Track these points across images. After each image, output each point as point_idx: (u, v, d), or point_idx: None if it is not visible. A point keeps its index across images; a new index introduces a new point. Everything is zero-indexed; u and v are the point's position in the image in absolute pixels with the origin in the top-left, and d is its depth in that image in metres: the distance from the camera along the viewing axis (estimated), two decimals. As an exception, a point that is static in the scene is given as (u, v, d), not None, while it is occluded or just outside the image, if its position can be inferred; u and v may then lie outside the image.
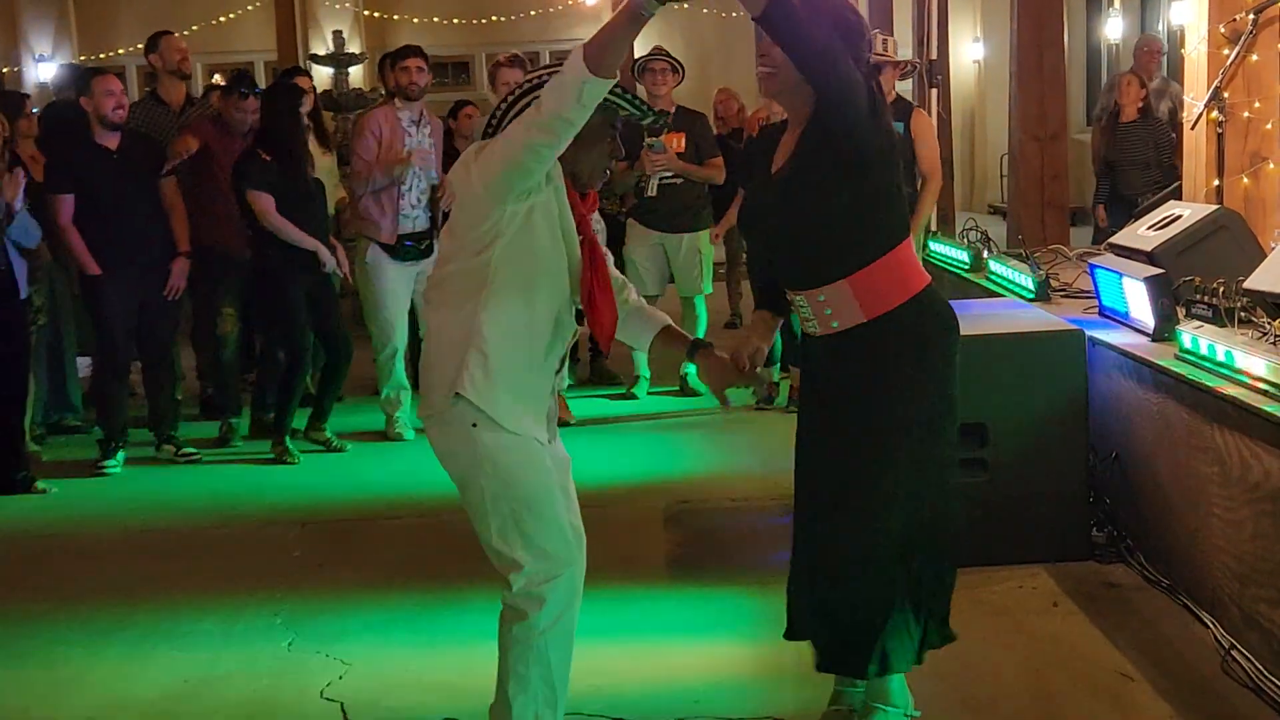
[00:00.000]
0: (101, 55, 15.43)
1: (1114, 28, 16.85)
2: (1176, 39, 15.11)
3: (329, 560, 5.51)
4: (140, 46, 16.02)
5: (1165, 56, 10.91)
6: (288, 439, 7.11)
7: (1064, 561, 4.90)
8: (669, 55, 7.92)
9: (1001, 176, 16.70)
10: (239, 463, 7.18)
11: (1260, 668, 3.88)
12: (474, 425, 3.28)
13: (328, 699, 4.17)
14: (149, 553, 5.73)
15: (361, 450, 7.29)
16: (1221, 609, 4.19)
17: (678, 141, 7.65)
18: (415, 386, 7.57)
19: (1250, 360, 4.09)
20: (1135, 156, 9.18)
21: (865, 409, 3.45)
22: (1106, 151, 9.19)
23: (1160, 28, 15.99)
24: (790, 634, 3.74)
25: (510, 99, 3.34)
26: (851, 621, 3.49)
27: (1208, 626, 4.22)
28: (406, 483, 6.59)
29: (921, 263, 3.77)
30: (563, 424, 7.38)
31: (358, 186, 7.29)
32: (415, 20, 17.04)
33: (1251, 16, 6.16)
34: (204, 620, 4.88)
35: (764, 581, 4.96)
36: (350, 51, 14.67)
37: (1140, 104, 9.24)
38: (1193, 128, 6.43)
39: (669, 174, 7.78)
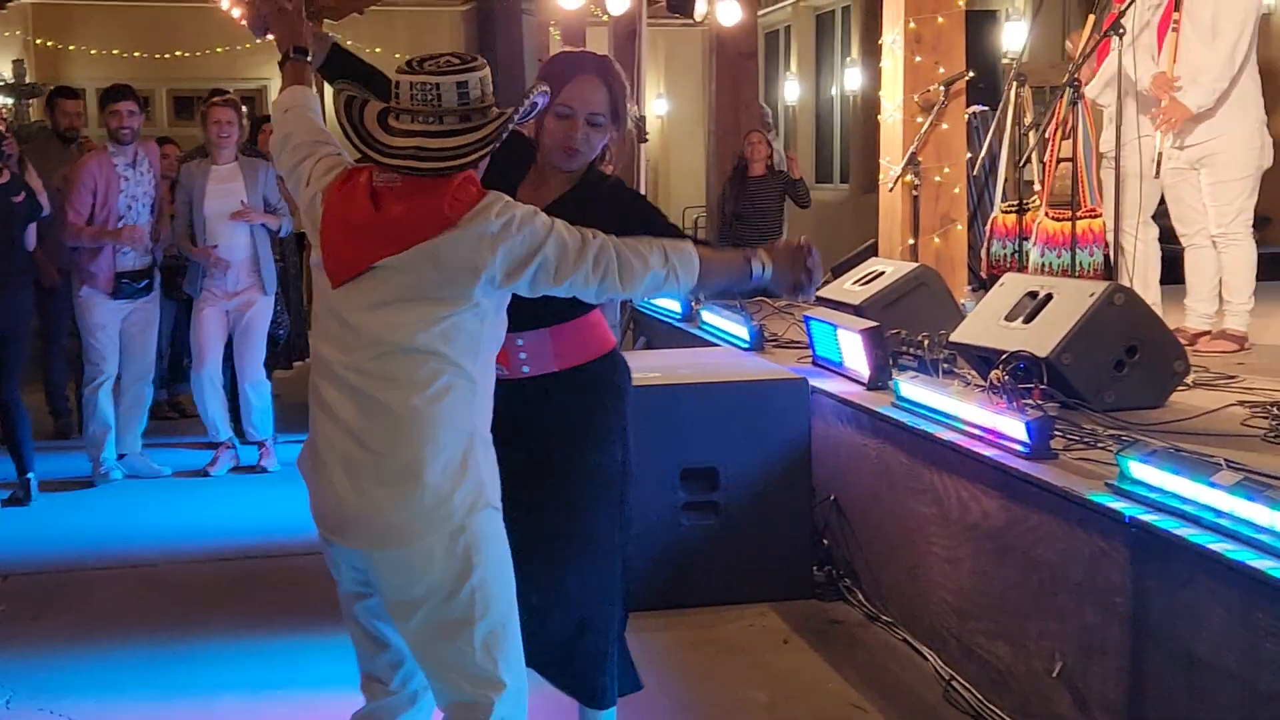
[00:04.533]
0: None
1: (791, 90, 17.84)
2: (849, 104, 16.07)
3: (42, 614, 5.25)
4: None
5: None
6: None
7: (789, 600, 5.11)
8: None
9: (690, 229, 17.28)
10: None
11: (980, 696, 4.15)
12: (471, 508, 2.82)
13: (57, 757, 4.00)
14: None
15: (60, 499, 6.93)
16: (941, 642, 4.47)
17: None
18: (240, 436, 7.40)
19: (967, 408, 4.40)
20: (762, 208, 9.66)
21: (576, 451, 3.48)
22: (736, 205, 9.69)
23: (834, 92, 16.95)
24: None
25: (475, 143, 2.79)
26: (592, 652, 3.52)
27: (927, 659, 4.49)
28: (115, 530, 6.33)
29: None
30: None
31: (68, 238, 7.01)
32: (93, 51, 16.37)
33: (943, 88, 6.66)
34: (-93, 680, 4.59)
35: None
36: (30, 82, 14.03)
37: (767, 160, 9.78)
38: (890, 190, 6.87)
39: None
